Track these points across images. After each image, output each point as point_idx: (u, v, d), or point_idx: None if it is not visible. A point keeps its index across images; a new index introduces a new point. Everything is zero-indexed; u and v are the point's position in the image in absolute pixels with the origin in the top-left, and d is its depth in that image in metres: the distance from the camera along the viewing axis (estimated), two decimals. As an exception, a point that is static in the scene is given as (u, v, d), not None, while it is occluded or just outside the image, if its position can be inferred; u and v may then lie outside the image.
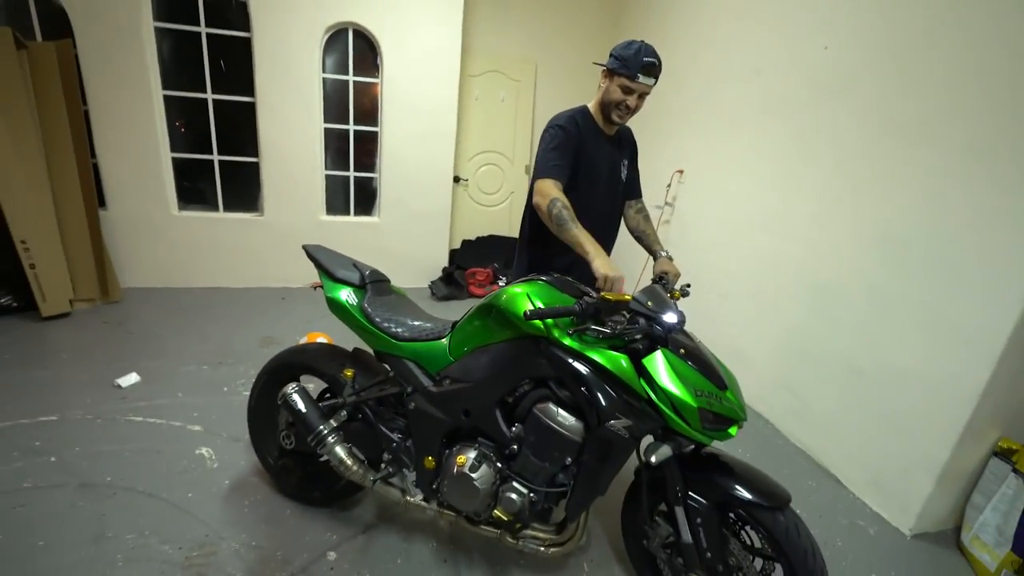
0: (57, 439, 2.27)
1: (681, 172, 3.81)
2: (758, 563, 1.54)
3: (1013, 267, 1.86)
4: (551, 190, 1.67)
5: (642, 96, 1.77)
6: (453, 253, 4.85)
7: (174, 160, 3.98)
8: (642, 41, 1.72)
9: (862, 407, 2.42)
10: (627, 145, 2.04)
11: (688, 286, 1.80)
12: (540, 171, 1.76)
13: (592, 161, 1.84)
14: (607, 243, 2.00)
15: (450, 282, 4.51)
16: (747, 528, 1.54)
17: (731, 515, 1.54)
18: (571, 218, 1.59)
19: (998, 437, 2.10)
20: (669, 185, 3.88)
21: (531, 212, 1.92)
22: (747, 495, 1.40)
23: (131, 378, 2.76)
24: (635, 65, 1.68)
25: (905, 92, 2.25)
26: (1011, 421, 2.09)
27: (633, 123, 4.68)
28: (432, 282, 4.60)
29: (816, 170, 2.68)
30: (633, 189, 2.09)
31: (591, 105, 1.89)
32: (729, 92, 3.33)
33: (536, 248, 1.94)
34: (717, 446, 1.56)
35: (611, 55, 1.76)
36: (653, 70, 1.71)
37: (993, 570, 1.95)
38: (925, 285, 2.16)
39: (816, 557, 1.37)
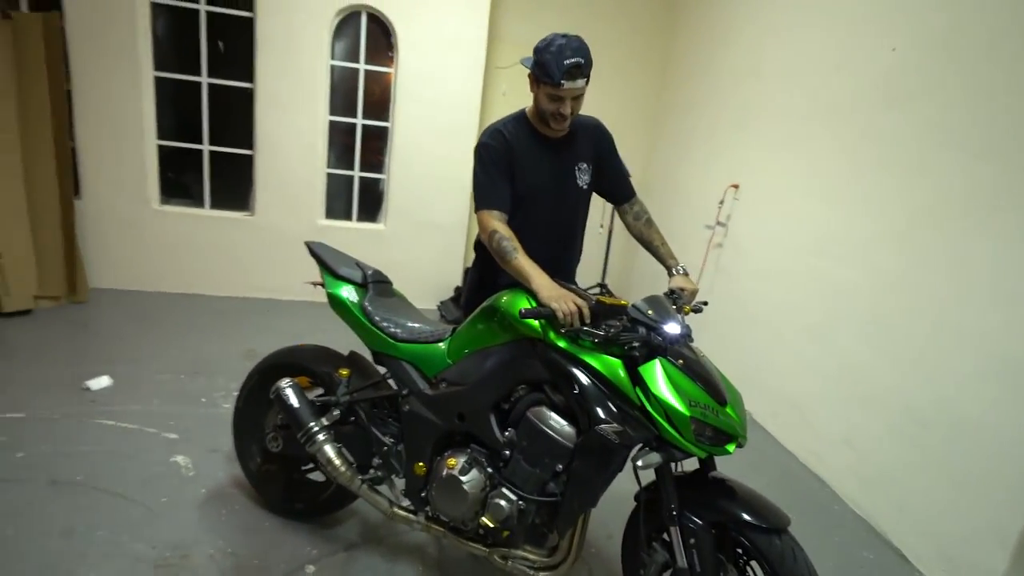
0: (24, 436, 2.74)
1: (736, 187, 4.20)
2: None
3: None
4: (489, 222, 1.99)
5: (576, 98, 1.99)
6: (468, 272, 5.29)
7: (160, 148, 4.60)
8: (564, 37, 1.91)
9: (928, 465, 2.68)
10: (587, 143, 2.23)
11: (705, 303, 2.16)
12: (477, 201, 2.08)
13: (531, 173, 2.11)
14: (567, 259, 2.33)
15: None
16: (751, 563, 1.85)
17: (738, 549, 1.86)
18: (512, 248, 1.90)
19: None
20: (722, 202, 4.27)
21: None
22: (742, 515, 1.72)
23: (102, 381, 3.25)
24: (556, 70, 1.88)
25: (976, 100, 2.58)
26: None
27: (684, 128, 5.11)
28: (442, 302, 5.05)
29: (880, 187, 3.02)
30: (619, 191, 2.36)
31: (529, 108, 2.14)
32: (794, 95, 3.72)
33: (485, 266, 2.27)
34: (728, 469, 1.90)
35: (534, 56, 1.94)
36: (579, 71, 1.88)
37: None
38: (999, 319, 2.44)
39: (814, 585, 1.68)
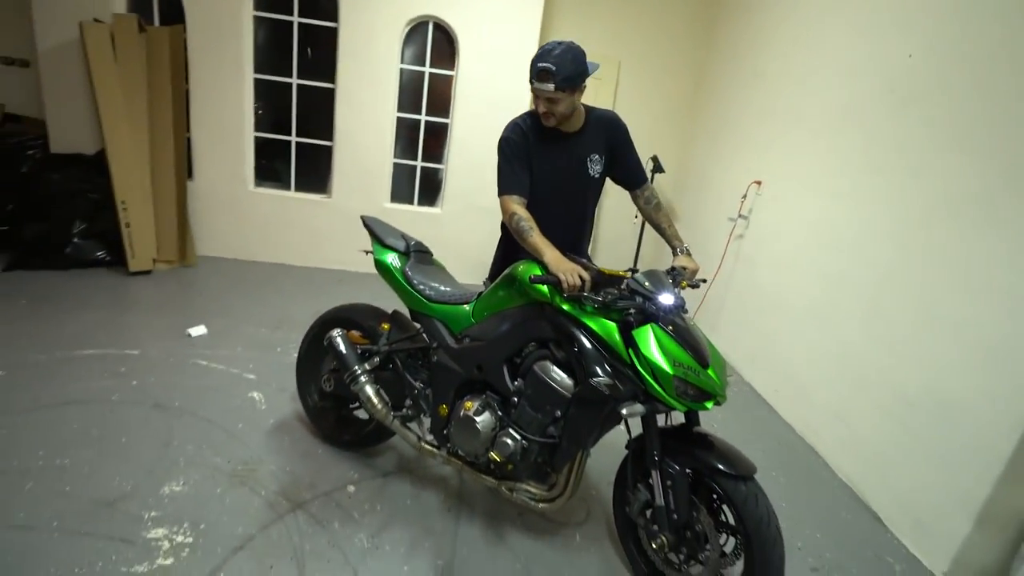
0: (138, 369, 3.03)
1: (759, 183, 4.11)
2: (730, 544, 1.88)
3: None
4: (510, 206, 2.08)
5: (551, 100, 2.01)
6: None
7: (256, 139, 4.87)
8: (557, 44, 1.97)
9: (909, 440, 2.62)
10: (601, 135, 2.25)
11: (703, 280, 2.18)
12: (499, 187, 2.15)
13: (544, 162, 2.18)
14: (579, 238, 2.37)
15: (505, 281, 5.06)
16: (724, 507, 1.89)
17: (714, 496, 1.90)
18: (529, 228, 1.99)
19: (1052, 484, 2.26)
20: (744, 196, 4.19)
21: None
22: (714, 463, 1.77)
23: (200, 330, 3.53)
24: (532, 70, 1.98)
25: (980, 102, 2.47)
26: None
27: (717, 129, 5.03)
28: (487, 278, 5.16)
29: (884, 185, 2.92)
30: (631, 177, 2.36)
31: None
32: (815, 100, 3.61)
33: (508, 244, 2.39)
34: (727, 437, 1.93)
35: None
36: (546, 76, 1.93)
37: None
38: (973, 307, 2.38)
39: (771, 526, 1.71)
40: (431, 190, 5.22)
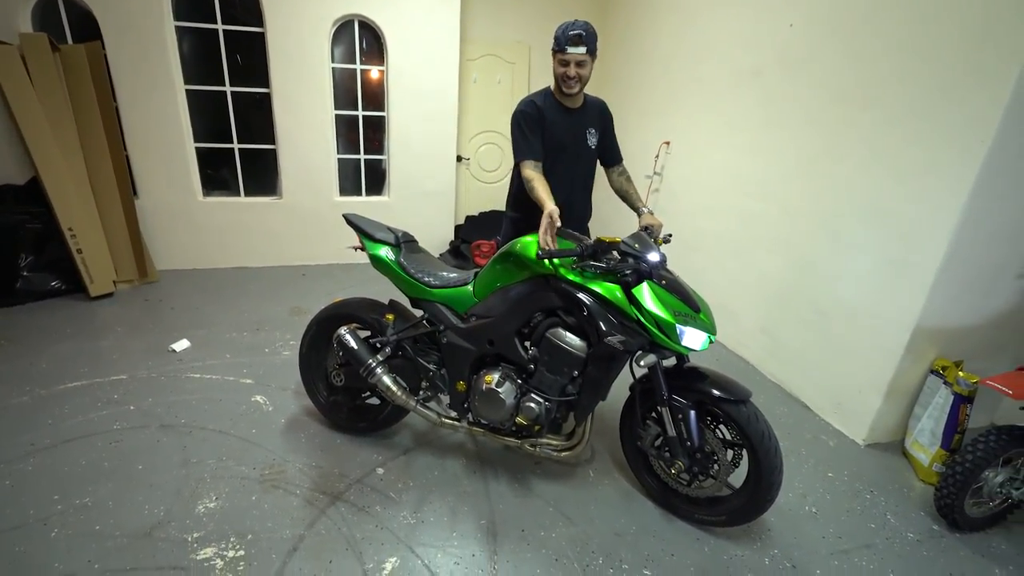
0: (131, 393, 2.61)
1: (668, 144, 4.11)
2: (729, 454, 1.89)
3: (939, 213, 2.19)
4: (524, 170, 2.04)
5: (580, 64, 2.00)
6: (458, 228, 5.15)
7: (197, 150, 4.25)
8: (574, 20, 1.99)
9: (825, 341, 2.78)
10: (596, 115, 2.26)
11: (670, 235, 2.12)
12: (516, 154, 2.11)
13: (555, 132, 2.14)
14: (583, 200, 2.35)
15: (457, 255, 4.83)
16: (720, 426, 1.89)
17: (708, 417, 1.89)
18: (536, 185, 1.94)
19: (935, 358, 2.46)
20: (657, 156, 4.18)
21: (515, 189, 2.30)
22: (717, 392, 1.75)
23: (183, 344, 3.10)
24: (563, 40, 1.96)
25: (854, 64, 2.55)
26: (946, 343, 2.44)
27: (623, 97, 4.92)
28: (440, 255, 4.91)
29: (783, 136, 2.99)
30: (611, 155, 2.37)
31: (552, 85, 2.17)
32: (709, 69, 3.60)
33: (519, 215, 2.30)
34: (695, 361, 1.91)
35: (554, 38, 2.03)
36: (579, 40, 1.94)
37: (927, 465, 2.33)
38: (871, 230, 2.50)
39: (771, 437, 1.72)
40: (377, 180, 4.83)
